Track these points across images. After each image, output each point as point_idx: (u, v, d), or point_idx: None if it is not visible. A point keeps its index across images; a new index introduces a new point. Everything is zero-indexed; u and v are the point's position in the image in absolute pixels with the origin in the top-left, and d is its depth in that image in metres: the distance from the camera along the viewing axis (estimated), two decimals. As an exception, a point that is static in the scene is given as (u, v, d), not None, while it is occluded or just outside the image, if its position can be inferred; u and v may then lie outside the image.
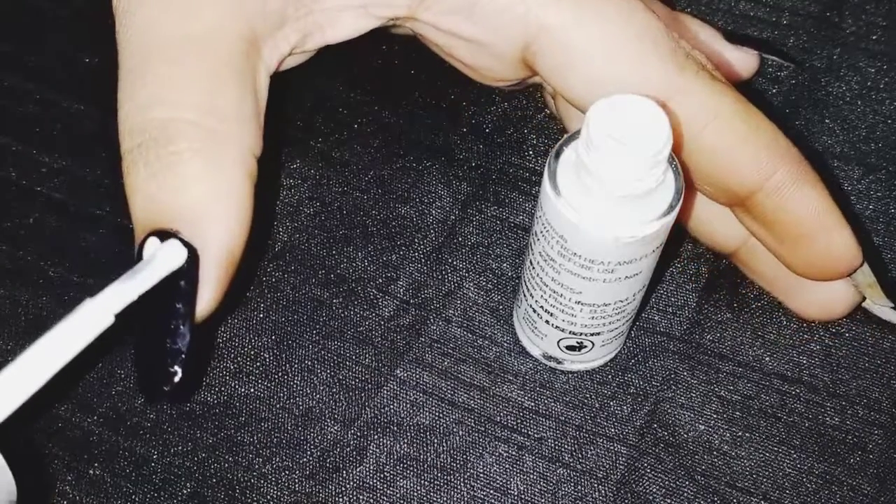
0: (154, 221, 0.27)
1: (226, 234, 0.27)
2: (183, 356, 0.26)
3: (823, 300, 0.32)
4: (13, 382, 0.23)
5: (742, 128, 0.29)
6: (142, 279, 0.25)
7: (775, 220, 0.29)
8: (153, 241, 0.26)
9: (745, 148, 0.29)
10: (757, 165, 0.28)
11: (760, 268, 0.33)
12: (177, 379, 0.26)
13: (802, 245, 0.29)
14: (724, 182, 0.29)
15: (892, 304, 0.32)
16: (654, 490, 0.31)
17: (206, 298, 0.27)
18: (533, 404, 0.32)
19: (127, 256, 0.27)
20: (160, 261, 0.26)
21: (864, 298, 0.32)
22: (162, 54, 0.28)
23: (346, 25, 0.32)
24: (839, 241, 0.29)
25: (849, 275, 0.31)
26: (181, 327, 0.26)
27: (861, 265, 0.30)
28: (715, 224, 0.32)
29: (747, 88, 0.38)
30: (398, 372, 0.32)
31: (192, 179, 0.27)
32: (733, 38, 0.36)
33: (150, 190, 0.27)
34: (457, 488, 0.31)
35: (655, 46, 0.29)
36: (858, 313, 0.33)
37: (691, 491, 0.31)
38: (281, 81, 0.31)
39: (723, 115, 0.29)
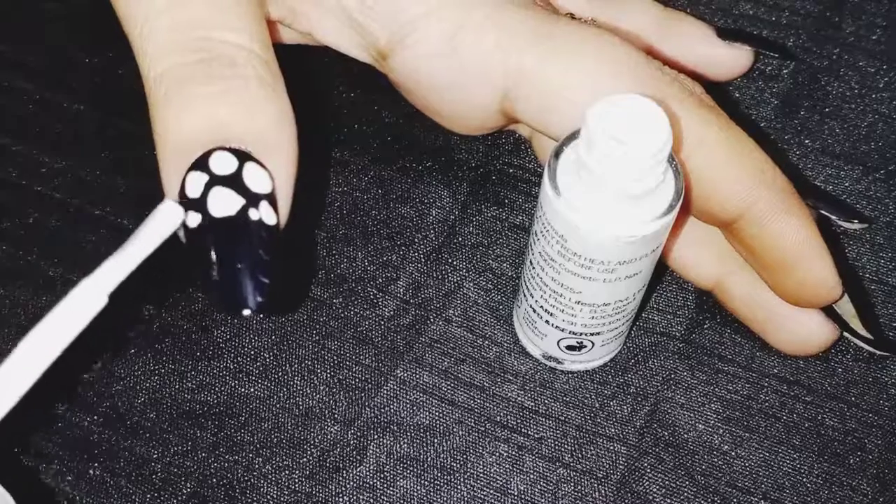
0: (217, 139, 0.26)
1: (290, 160, 0.27)
2: (271, 269, 0.26)
3: (797, 339, 0.32)
4: (9, 377, 0.24)
5: (726, 156, 0.29)
6: (137, 250, 0.25)
7: (756, 247, 0.30)
8: (223, 155, 0.26)
9: (728, 176, 0.29)
10: (739, 193, 0.29)
11: (734, 305, 0.33)
12: (268, 290, 0.26)
13: (782, 273, 0.30)
14: (706, 208, 0.30)
15: (871, 336, 0.32)
16: (654, 490, 0.31)
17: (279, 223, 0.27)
18: (533, 404, 0.32)
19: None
20: (155, 225, 0.26)
21: (841, 334, 0.32)
22: None
23: (328, 29, 0.32)
24: (817, 273, 0.29)
25: (832, 304, 0.31)
26: (266, 247, 0.26)
27: (842, 296, 0.30)
28: (689, 264, 0.33)
29: (746, 88, 0.39)
30: (398, 372, 0.32)
31: (260, 104, 0.27)
32: (727, 33, 0.36)
33: (212, 107, 0.27)
34: (457, 488, 0.31)
35: (635, 80, 0.29)
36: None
37: (691, 491, 0.31)
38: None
39: (707, 143, 0.29)
